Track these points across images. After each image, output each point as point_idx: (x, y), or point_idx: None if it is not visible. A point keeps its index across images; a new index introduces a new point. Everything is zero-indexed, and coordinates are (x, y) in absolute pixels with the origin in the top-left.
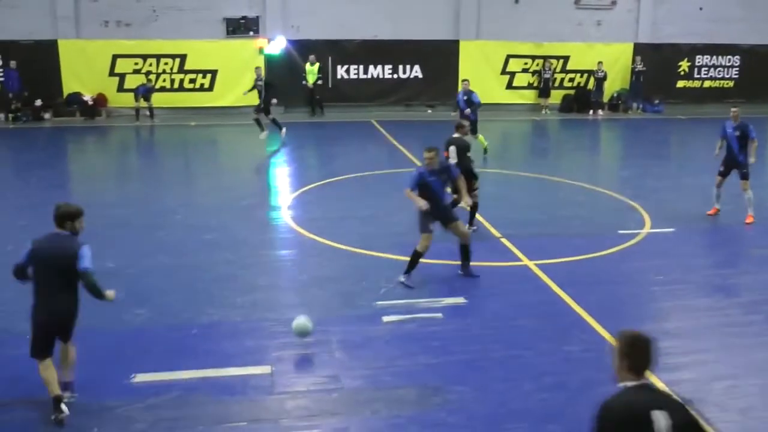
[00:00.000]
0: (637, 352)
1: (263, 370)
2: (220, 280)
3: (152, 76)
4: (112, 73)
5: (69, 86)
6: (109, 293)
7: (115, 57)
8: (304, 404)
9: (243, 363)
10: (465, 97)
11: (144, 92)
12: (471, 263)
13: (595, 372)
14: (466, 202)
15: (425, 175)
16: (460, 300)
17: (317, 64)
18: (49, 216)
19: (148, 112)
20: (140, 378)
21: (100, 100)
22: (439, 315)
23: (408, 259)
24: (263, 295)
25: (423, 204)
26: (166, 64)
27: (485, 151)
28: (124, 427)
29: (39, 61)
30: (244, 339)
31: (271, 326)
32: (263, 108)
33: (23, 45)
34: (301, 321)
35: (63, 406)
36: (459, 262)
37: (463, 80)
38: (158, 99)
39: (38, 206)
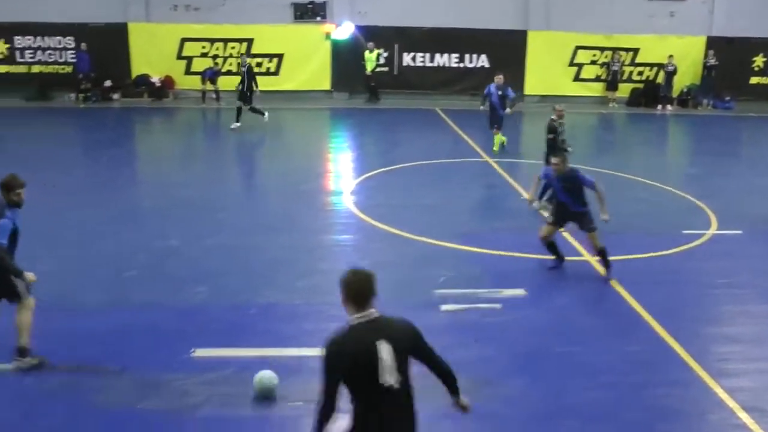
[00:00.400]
0: (356, 286)
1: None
2: (280, 262)
3: (219, 60)
4: (180, 56)
5: (138, 68)
6: (29, 275)
7: (183, 40)
8: None
9: (300, 344)
10: (500, 92)
11: (211, 75)
12: (534, 256)
13: (652, 374)
14: (603, 216)
15: (551, 177)
16: (520, 292)
17: (376, 51)
18: (115, 194)
19: (214, 95)
20: (199, 353)
21: (168, 82)
22: (498, 306)
23: (478, 249)
24: (323, 279)
25: (528, 195)
26: (233, 48)
27: (502, 145)
28: (179, 399)
29: (109, 43)
30: (302, 321)
31: (329, 310)
32: (245, 96)
33: (94, 28)
34: (265, 380)
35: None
36: (524, 255)
37: (497, 75)
38: (225, 82)
39: (106, 184)
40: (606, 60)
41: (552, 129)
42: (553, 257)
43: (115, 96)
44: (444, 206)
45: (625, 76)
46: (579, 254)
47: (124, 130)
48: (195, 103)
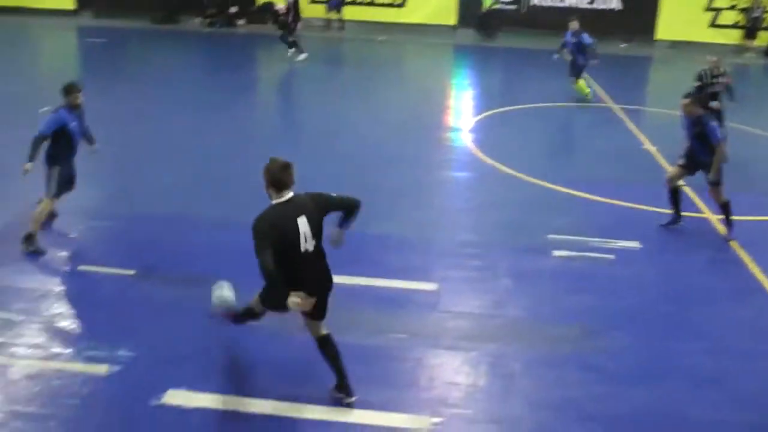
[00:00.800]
0: (275, 173)
1: (428, 286)
2: (394, 194)
3: None
4: None
5: None
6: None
7: None
8: (465, 326)
9: (409, 278)
10: (574, 40)
11: (336, 4)
12: (654, 209)
13: (764, 342)
14: (712, 175)
15: (684, 119)
16: (635, 245)
17: None
18: (235, 118)
19: (338, 24)
20: None
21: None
22: (611, 257)
23: (595, 197)
24: (436, 214)
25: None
26: None
27: (586, 98)
28: (281, 322)
29: None
30: (412, 254)
31: (442, 245)
32: (287, 26)
33: None
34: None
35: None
36: (642, 206)
37: (570, 21)
38: (350, 12)
39: (225, 106)
40: (747, 5)
41: (700, 77)
42: (671, 211)
43: (240, 22)
44: (562, 150)
45: (765, 24)
46: (700, 211)
47: (246, 56)
48: (319, 32)
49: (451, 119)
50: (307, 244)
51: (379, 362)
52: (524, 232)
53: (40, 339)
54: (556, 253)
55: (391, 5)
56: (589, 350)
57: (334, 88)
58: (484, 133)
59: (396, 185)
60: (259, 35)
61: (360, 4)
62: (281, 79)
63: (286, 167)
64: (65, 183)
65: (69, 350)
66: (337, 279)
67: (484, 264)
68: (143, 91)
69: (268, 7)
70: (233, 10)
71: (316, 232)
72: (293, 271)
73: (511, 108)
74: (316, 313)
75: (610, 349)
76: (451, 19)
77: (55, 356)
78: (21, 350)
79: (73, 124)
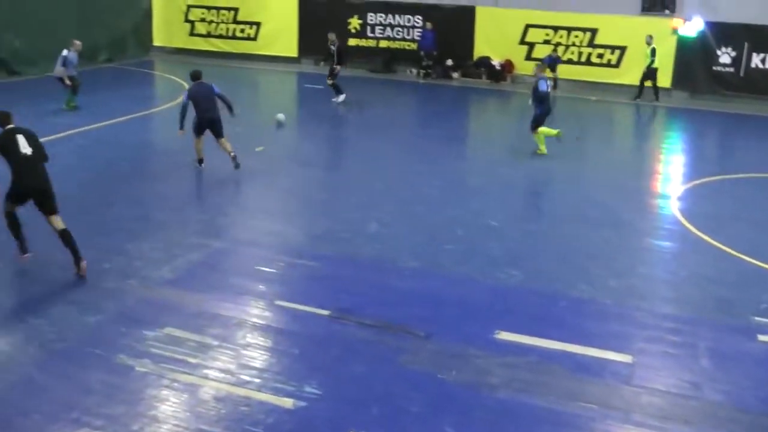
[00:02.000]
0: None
1: (624, 358)
2: (596, 257)
3: (561, 48)
4: (522, 42)
5: (480, 50)
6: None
7: (527, 26)
8: (659, 404)
9: (605, 346)
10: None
11: (550, 62)
12: None
13: None
14: None
15: None
16: None
17: (652, 46)
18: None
19: (552, 82)
20: (503, 335)
21: (507, 65)
22: None
23: None
24: (638, 282)
25: None
26: (576, 37)
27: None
28: (480, 377)
29: (455, 24)
30: (610, 322)
31: (640, 316)
32: (331, 72)
33: (443, 8)
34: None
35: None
36: None
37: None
38: (563, 70)
39: (436, 154)
40: None
41: None
42: None
43: (455, 75)
44: None
45: None
46: None
47: (458, 107)
48: (531, 89)
49: (658, 185)
50: (25, 150)
51: (566, 430)
52: (729, 311)
53: (232, 365)
54: (762, 337)
55: (607, 65)
56: None
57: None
58: (694, 201)
59: (597, 248)
60: (473, 88)
61: (575, 63)
62: (491, 133)
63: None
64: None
65: (257, 380)
66: (533, 340)
67: (683, 340)
68: (356, 136)
69: (484, 62)
70: (449, 62)
71: (33, 144)
72: (18, 168)
73: (725, 177)
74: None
75: None
76: (666, 81)
77: (243, 383)
78: (212, 373)
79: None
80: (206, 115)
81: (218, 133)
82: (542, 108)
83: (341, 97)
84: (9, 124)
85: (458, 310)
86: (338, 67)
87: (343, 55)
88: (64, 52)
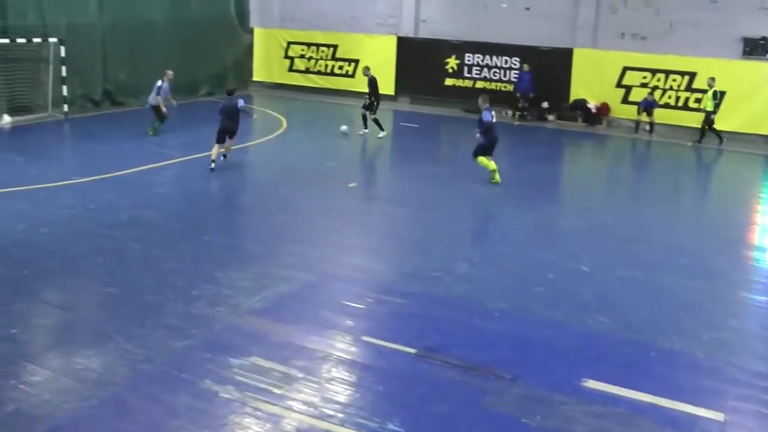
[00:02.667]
0: None
1: (715, 415)
2: (689, 308)
3: (657, 92)
4: (618, 84)
5: (576, 92)
6: (250, 112)
7: (624, 69)
8: None
9: (696, 401)
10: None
11: (646, 106)
12: None
13: None
14: None
15: None
16: None
17: (714, 89)
18: (534, 209)
19: (648, 127)
20: (591, 384)
21: (603, 109)
22: None
23: None
24: (731, 336)
25: None
26: (674, 80)
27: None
28: (565, 425)
29: (552, 66)
30: (702, 376)
31: (733, 372)
32: (369, 105)
33: (541, 50)
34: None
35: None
36: None
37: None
38: (660, 115)
39: (527, 198)
40: None
41: None
42: None
43: (550, 117)
44: None
45: None
46: None
47: (553, 150)
48: (627, 133)
49: (756, 236)
50: None
51: None
52: None
53: (315, 398)
54: None
55: (704, 110)
56: None
57: (638, 190)
58: None
59: (689, 299)
60: (568, 132)
61: (672, 107)
62: (584, 176)
63: None
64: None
65: (341, 414)
66: (621, 391)
67: None
68: (448, 175)
69: (580, 104)
70: (545, 104)
71: None
72: None
73: None
74: None
75: None
76: (764, 128)
77: (326, 417)
78: (296, 404)
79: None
80: (227, 124)
81: (231, 137)
82: (487, 138)
83: (382, 134)
84: None
85: (546, 354)
86: (370, 100)
87: (376, 87)
88: (158, 82)
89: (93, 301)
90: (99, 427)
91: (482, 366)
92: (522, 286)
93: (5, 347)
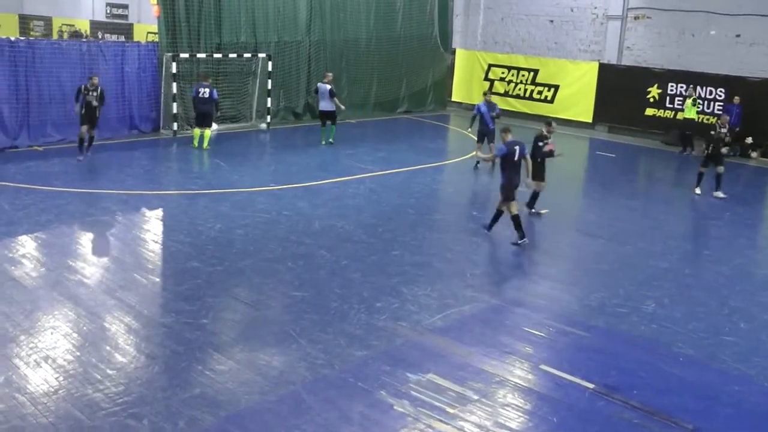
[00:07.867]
0: None
1: None
2: None
3: None
4: None
5: None
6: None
7: None
8: None
9: None
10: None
11: None
12: None
13: None
14: None
15: None
16: None
17: (692, 98)
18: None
19: None
20: None
21: None
22: None
23: None
24: None
25: None
26: None
27: None
28: None
29: (761, 98)
30: None
31: None
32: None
33: (749, 81)
34: None
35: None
36: None
37: None
38: None
39: (720, 238)
40: None
41: None
42: None
43: (753, 154)
44: None
45: None
46: None
47: (753, 191)
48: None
49: None
50: None
51: None
52: None
53: (488, 422)
54: None
55: None
56: None
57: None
58: None
59: None
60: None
61: None
62: None
63: None
64: None
65: None
66: None
67: None
68: (643, 209)
69: None
70: (749, 140)
71: None
72: None
73: None
74: None
75: None
76: None
77: None
78: (468, 426)
79: None
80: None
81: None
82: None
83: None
84: None
85: (732, 409)
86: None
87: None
88: (318, 85)
89: (280, 303)
90: (276, 421)
91: (663, 412)
92: (712, 333)
93: (195, 335)
